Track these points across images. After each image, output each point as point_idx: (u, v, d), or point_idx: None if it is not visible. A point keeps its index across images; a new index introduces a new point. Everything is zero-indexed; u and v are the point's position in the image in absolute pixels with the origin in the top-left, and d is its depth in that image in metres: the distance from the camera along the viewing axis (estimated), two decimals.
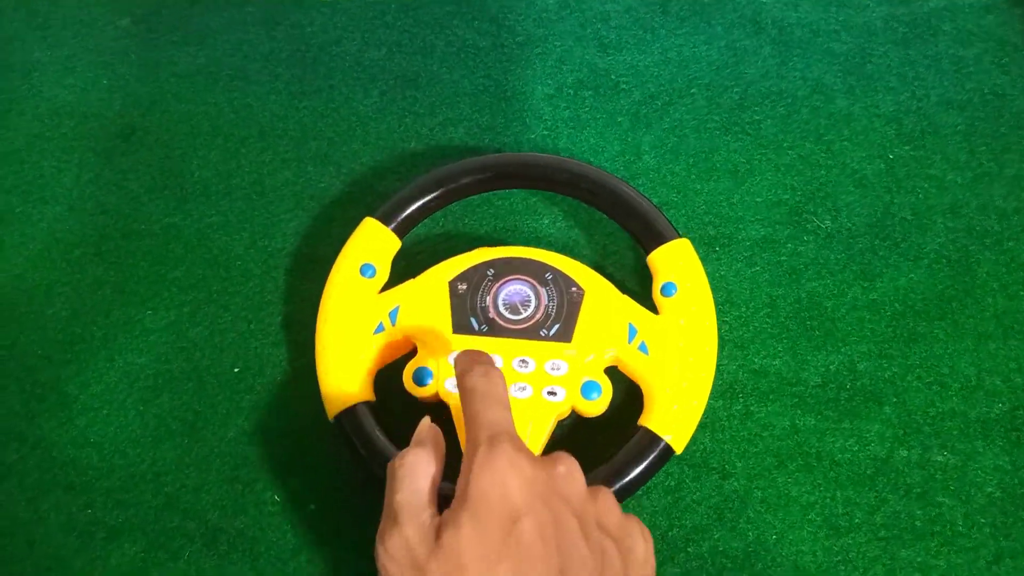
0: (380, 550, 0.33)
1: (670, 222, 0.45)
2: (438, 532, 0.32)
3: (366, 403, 0.42)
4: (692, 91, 0.52)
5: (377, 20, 0.56)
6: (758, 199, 0.49)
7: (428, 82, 0.53)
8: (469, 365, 0.37)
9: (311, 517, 0.42)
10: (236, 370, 0.45)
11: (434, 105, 0.52)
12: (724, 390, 0.44)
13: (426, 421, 0.37)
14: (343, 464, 0.43)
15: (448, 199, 0.47)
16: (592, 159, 0.50)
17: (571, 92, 0.52)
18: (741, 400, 0.44)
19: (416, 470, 0.34)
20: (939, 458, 0.42)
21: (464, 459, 0.33)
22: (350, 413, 0.41)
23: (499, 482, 0.31)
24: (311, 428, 0.44)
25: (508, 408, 0.35)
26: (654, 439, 0.40)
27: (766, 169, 0.50)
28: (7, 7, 0.58)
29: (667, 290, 0.43)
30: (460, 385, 0.36)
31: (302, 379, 0.45)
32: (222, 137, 0.52)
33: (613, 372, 0.42)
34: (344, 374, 0.42)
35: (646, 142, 0.51)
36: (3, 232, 0.50)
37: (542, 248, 0.44)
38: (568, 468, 0.33)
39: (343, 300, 0.44)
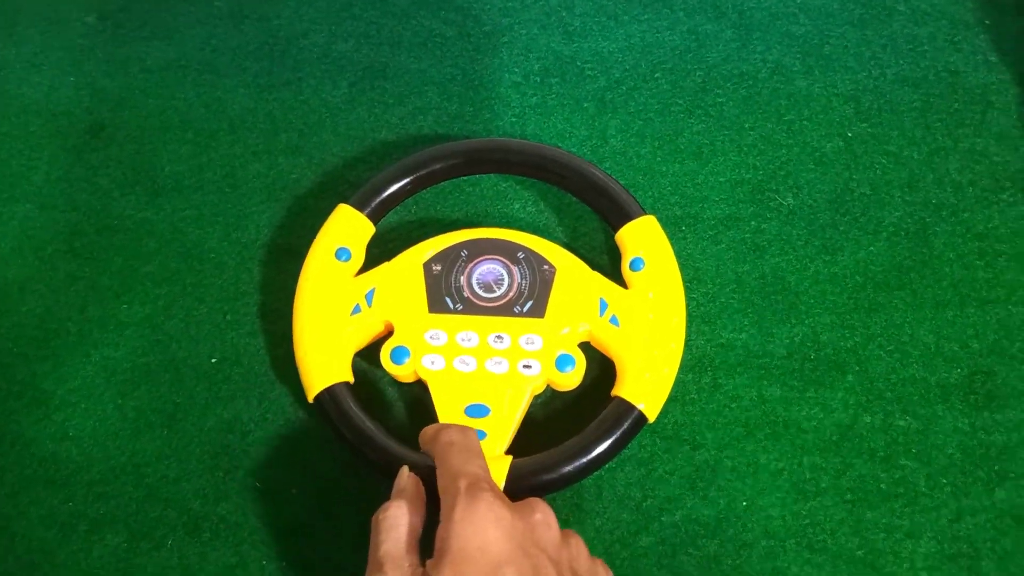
0: None
1: (636, 200, 0.46)
2: None
3: (345, 383, 0.42)
4: (656, 76, 0.53)
5: (344, 12, 0.56)
6: (722, 179, 0.50)
7: (396, 72, 0.54)
8: (444, 424, 0.38)
9: (292, 501, 0.42)
10: (213, 360, 0.46)
11: (403, 95, 0.53)
12: (693, 364, 0.45)
13: (404, 471, 0.38)
14: (322, 449, 0.43)
15: (420, 184, 0.48)
16: (560, 144, 0.51)
17: (537, 79, 0.53)
18: (710, 373, 0.45)
19: (399, 522, 0.35)
20: (901, 423, 0.43)
21: (443, 508, 0.34)
22: (329, 393, 0.42)
23: (480, 533, 0.32)
24: (290, 415, 0.44)
25: (484, 460, 0.36)
26: (628, 407, 0.41)
27: (729, 149, 0.51)
28: None
29: (635, 265, 0.44)
30: (436, 440, 0.37)
31: (280, 367, 0.45)
32: (192, 131, 0.52)
33: (586, 351, 0.43)
34: (323, 355, 0.43)
35: (612, 126, 0.52)
36: None
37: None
38: (544, 515, 0.34)
39: (319, 283, 0.44)
